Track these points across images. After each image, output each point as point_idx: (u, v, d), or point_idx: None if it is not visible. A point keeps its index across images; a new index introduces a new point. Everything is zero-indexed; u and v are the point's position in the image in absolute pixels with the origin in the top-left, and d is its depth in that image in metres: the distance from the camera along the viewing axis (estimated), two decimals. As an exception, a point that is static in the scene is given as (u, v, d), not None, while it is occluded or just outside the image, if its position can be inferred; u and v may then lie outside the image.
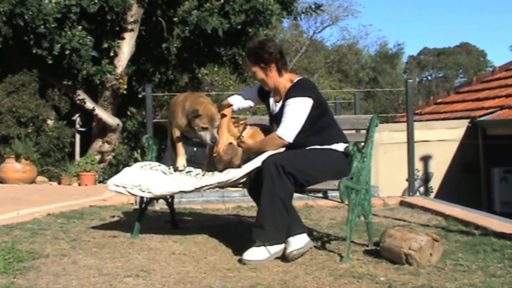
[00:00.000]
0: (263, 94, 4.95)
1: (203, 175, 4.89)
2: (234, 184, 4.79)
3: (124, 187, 4.89)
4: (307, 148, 4.61)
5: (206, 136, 4.71)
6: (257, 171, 4.53)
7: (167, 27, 14.23)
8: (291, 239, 4.40)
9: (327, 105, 4.87)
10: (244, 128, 4.91)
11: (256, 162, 4.58)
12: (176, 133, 4.95)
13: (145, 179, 4.88)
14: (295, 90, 4.66)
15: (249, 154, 4.80)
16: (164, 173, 4.97)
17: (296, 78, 4.78)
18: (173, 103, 5.09)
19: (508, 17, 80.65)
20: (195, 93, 5.19)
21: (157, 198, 5.48)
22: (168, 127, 5.21)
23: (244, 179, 4.73)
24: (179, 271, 4.06)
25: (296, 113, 4.58)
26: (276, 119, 4.73)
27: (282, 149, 4.63)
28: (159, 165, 5.12)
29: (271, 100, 4.89)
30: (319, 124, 4.65)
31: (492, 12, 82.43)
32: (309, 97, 4.60)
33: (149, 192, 4.81)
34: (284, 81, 4.76)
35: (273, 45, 4.76)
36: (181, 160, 4.94)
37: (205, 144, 4.97)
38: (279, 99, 4.78)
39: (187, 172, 4.96)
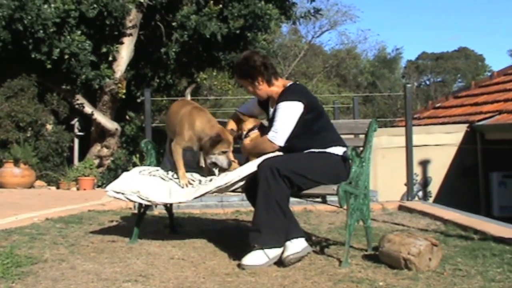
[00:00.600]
0: (264, 103, 4.99)
1: (200, 182, 4.88)
2: (232, 188, 4.79)
3: (123, 193, 4.89)
4: (304, 151, 4.61)
5: (224, 160, 4.75)
6: (254, 175, 4.53)
7: (166, 31, 14.23)
8: (288, 243, 4.39)
9: (322, 109, 4.88)
10: (253, 128, 4.90)
11: (253, 166, 4.59)
12: (179, 150, 4.95)
13: (144, 185, 4.88)
14: (285, 95, 4.69)
15: (243, 153, 4.87)
16: (163, 179, 4.96)
17: (289, 83, 4.82)
18: (176, 117, 5.06)
19: (506, 22, 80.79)
20: (195, 106, 5.17)
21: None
22: (169, 135, 5.24)
23: (242, 183, 4.73)
24: (178, 276, 4.05)
25: (286, 117, 4.60)
26: (270, 124, 4.75)
27: (279, 153, 4.65)
28: (158, 170, 5.12)
29: (270, 109, 4.93)
30: (314, 128, 4.66)
31: (490, 17, 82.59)
32: (298, 101, 4.62)
33: (147, 200, 4.82)
34: (276, 88, 4.80)
35: (257, 59, 4.78)
36: (185, 180, 4.91)
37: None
38: (274, 105, 4.80)
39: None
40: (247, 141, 4.90)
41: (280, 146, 4.61)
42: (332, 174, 4.50)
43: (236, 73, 4.96)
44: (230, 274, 4.14)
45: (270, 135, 4.61)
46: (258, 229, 4.34)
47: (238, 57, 5.16)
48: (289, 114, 4.60)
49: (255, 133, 4.93)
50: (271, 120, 4.78)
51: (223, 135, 4.74)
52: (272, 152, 4.64)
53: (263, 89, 4.81)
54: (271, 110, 4.89)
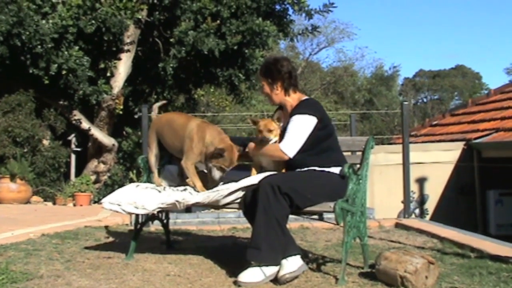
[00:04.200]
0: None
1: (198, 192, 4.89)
2: (228, 201, 4.76)
3: (119, 205, 4.87)
4: (305, 169, 4.61)
5: (217, 174, 4.86)
6: (252, 193, 4.52)
7: (164, 47, 14.25)
8: (284, 261, 4.38)
9: (333, 128, 4.89)
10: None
11: (252, 179, 4.58)
12: (192, 167, 4.96)
13: (140, 196, 4.87)
14: (300, 108, 4.71)
15: (252, 154, 4.85)
16: (159, 191, 4.97)
17: (304, 97, 4.85)
18: (184, 131, 5.04)
19: (503, 40, 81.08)
20: (203, 121, 5.19)
21: (152, 219, 5.48)
22: (168, 143, 5.19)
23: (239, 196, 4.71)
24: (174, 293, 4.04)
25: (299, 129, 4.60)
26: (282, 136, 4.75)
27: (274, 173, 4.64)
28: (154, 187, 5.11)
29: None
30: (321, 146, 4.66)
31: (487, 35, 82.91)
32: (313, 115, 4.64)
33: (143, 209, 4.79)
34: (291, 100, 4.84)
35: (286, 64, 4.85)
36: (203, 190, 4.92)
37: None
38: (286, 116, 4.81)
39: (183, 190, 4.97)
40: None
41: (289, 158, 4.59)
42: (332, 193, 4.48)
43: (261, 69, 4.97)
44: (226, 291, 4.13)
45: (283, 145, 4.59)
46: (257, 246, 4.31)
47: (270, 57, 5.27)
48: (302, 127, 4.61)
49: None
50: (282, 131, 4.78)
51: (227, 153, 4.76)
52: (279, 160, 4.64)
53: (279, 95, 4.85)
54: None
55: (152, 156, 5.26)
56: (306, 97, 4.89)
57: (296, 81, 4.93)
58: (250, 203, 4.57)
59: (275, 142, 4.69)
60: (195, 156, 4.90)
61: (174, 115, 5.51)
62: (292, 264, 4.39)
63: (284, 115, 4.87)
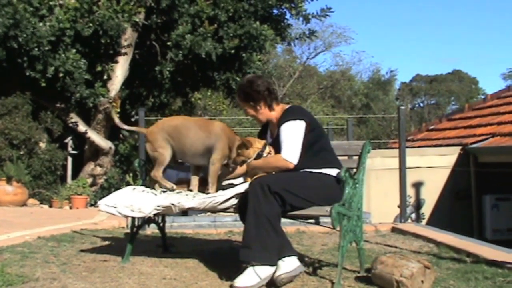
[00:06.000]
0: (263, 133, 5.06)
1: (194, 196, 4.88)
2: (224, 206, 4.76)
3: (115, 207, 4.87)
4: (297, 171, 4.61)
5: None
6: (246, 196, 4.51)
7: (161, 51, 14.27)
8: (280, 262, 4.36)
9: (322, 130, 4.91)
10: (265, 146, 4.86)
11: (247, 186, 4.58)
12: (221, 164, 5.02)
13: (137, 199, 4.87)
14: (286, 116, 4.71)
15: (251, 169, 4.83)
16: (155, 194, 4.96)
17: (287, 106, 4.87)
18: (220, 131, 5.05)
19: (499, 45, 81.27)
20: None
21: (148, 222, 5.47)
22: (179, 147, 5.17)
23: (234, 202, 4.71)
24: (170, 296, 4.04)
25: (292, 135, 4.60)
26: (274, 149, 4.75)
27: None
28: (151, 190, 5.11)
29: (268, 133, 4.98)
30: (314, 148, 4.65)
31: (484, 40, 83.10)
32: (301, 119, 4.64)
33: (140, 212, 4.79)
34: (275, 113, 4.86)
35: (261, 83, 4.84)
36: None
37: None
38: (274, 129, 4.83)
39: (178, 192, 4.97)
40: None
41: (294, 165, 4.59)
42: (324, 194, 4.48)
43: (239, 96, 4.95)
44: (222, 294, 4.12)
45: (284, 154, 4.58)
46: (247, 245, 4.29)
47: (242, 80, 5.19)
48: (294, 132, 4.61)
49: (269, 148, 4.90)
50: (274, 144, 4.79)
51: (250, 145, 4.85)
52: (286, 170, 4.63)
53: (264, 113, 4.86)
54: (268, 134, 4.95)
55: (166, 161, 5.12)
56: (288, 105, 4.92)
57: (276, 94, 4.94)
58: (243, 207, 4.56)
59: (269, 154, 4.73)
60: (225, 156, 4.96)
61: (184, 119, 5.44)
62: (288, 265, 4.37)
63: (271, 129, 4.93)
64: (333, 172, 4.62)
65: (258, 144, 4.78)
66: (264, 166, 4.72)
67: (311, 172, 4.60)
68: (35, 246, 5.92)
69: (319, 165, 4.64)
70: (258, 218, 4.28)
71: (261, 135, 5.09)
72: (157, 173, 5.02)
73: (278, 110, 4.85)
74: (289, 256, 4.42)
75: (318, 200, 4.49)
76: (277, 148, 4.68)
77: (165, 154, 5.06)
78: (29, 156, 13.20)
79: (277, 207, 4.34)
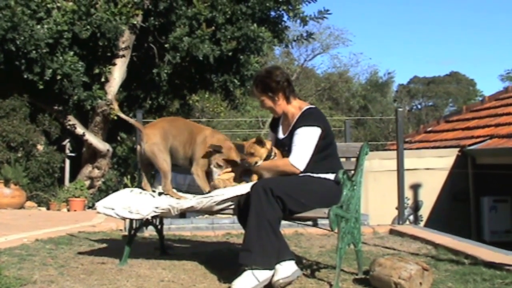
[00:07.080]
0: (274, 125, 5.05)
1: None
2: (222, 206, 4.76)
3: (113, 209, 4.87)
4: (300, 175, 4.60)
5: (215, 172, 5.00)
6: (246, 198, 4.51)
7: (159, 53, 14.25)
8: (278, 266, 4.36)
9: (333, 137, 4.89)
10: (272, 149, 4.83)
11: (247, 187, 4.57)
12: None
13: (135, 201, 4.87)
14: (305, 120, 4.68)
15: (258, 170, 4.79)
16: (153, 196, 4.97)
17: (305, 106, 4.81)
18: (201, 141, 5.09)
19: (497, 47, 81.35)
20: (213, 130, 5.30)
21: (146, 224, 5.46)
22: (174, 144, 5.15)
23: (232, 203, 4.71)
24: (168, 299, 4.03)
25: (306, 142, 4.60)
26: (283, 146, 4.75)
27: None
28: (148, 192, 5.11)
29: (280, 127, 4.94)
30: (323, 154, 4.66)
31: (482, 42, 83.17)
32: (318, 126, 4.63)
33: (137, 213, 4.79)
34: (292, 108, 4.82)
35: (280, 74, 4.81)
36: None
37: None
38: (288, 126, 4.81)
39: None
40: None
41: (300, 171, 4.59)
42: (327, 199, 4.47)
43: (257, 86, 4.87)
44: (220, 297, 4.12)
45: (292, 160, 4.58)
46: (248, 249, 4.29)
47: (260, 71, 5.18)
48: (309, 139, 4.61)
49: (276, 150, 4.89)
50: (282, 142, 4.80)
51: (224, 150, 4.91)
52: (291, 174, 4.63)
53: (282, 105, 4.82)
54: (280, 128, 4.92)
55: (167, 165, 5.06)
56: (306, 105, 4.85)
57: (294, 88, 4.93)
58: (244, 208, 4.56)
59: (273, 158, 4.71)
60: (204, 164, 5.01)
61: (182, 121, 5.43)
62: (286, 269, 4.38)
63: (283, 123, 4.90)
64: (333, 176, 4.62)
65: (268, 145, 4.77)
66: (272, 168, 4.72)
67: (312, 176, 4.60)
68: (33, 248, 5.91)
69: (322, 170, 4.64)
70: (260, 222, 4.28)
71: (273, 129, 5.06)
72: (168, 186, 5.02)
73: (295, 106, 4.82)
74: (287, 260, 4.43)
75: (319, 205, 4.49)
76: (288, 147, 4.68)
77: (168, 160, 5.06)
78: (27, 159, 13.19)
79: (279, 211, 4.34)
